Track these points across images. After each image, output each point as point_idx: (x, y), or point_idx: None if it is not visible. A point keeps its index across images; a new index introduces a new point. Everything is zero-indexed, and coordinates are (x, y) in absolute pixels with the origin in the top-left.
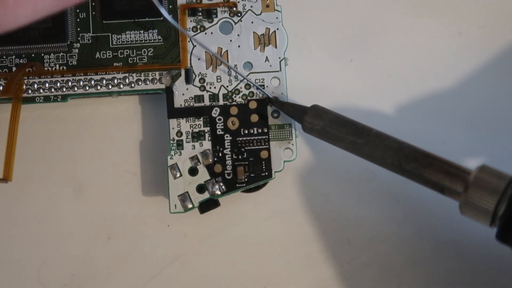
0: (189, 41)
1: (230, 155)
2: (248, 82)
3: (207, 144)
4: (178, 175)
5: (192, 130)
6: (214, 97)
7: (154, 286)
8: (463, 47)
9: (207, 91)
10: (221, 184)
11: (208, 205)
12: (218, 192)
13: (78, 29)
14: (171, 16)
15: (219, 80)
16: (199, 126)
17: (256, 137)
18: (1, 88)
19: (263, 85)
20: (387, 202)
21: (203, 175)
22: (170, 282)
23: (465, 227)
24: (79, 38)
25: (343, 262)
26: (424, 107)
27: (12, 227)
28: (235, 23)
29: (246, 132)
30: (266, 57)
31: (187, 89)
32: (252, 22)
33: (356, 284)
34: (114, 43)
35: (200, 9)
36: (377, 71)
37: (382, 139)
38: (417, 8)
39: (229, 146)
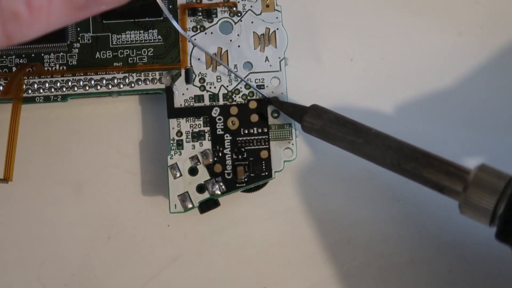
0: (189, 41)
1: (230, 155)
2: (247, 83)
3: (207, 144)
4: (178, 175)
5: (192, 130)
6: (214, 97)
7: (154, 286)
8: (463, 47)
9: (207, 91)
10: (221, 184)
11: (208, 205)
12: (218, 192)
13: (78, 29)
14: (171, 15)
15: (219, 80)
16: (199, 126)
17: (256, 137)
18: (1, 88)
19: (263, 85)
20: (387, 202)
21: (203, 175)
22: (170, 282)
23: (465, 227)
24: (79, 38)
25: (343, 262)
26: (424, 107)
27: (12, 227)
28: (235, 23)
29: (246, 132)
30: (266, 57)
31: (187, 89)
32: (252, 22)
33: (356, 284)
34: (114, 43)
35: (200, 9)
36: (377, 71)
37: (382, 139)
38: (417, 8)
39: (229, 146)
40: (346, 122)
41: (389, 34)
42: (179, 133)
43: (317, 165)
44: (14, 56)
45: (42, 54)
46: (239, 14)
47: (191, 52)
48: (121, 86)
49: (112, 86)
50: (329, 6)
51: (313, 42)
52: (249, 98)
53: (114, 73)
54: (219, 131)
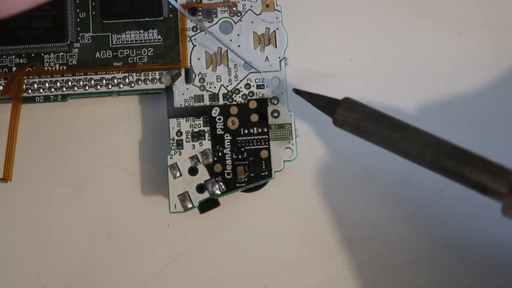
0: (191, 40)
1: (230, 155)
2: (252, 67)
3: (207, 144)
4: (178, 174)
5: (192, 130)
6: (214, 96)
7: (154, 286)
8: (463, 47)
9: (207, 90)
10: (221, 183)
11: (208, 205)
12: (218, 192)
13: (78, 29)
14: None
15: (219, 80)
16: (199, 125)
17: (256, 137)
18: (1, 88)
19: (263, 85)
20: (387, 202)
21: (203, 175)
22: (170, 282)
23: (465, 227)
24: (79, 38)
25: (343, 262)
26: (424, 107)
27: (12, 227)
28: (235, 23)
29: (246, 131)
30: (266, 57)
31: (187, 88)
32: (252, 22)
33: (356, 284)
34: (114, 43)
35: (200, 9)
36: (377, 71)
37: (420, 135)
38: (417, 8)
39: (229, 146)
40: (381, 116)
41: (389, 34)
42: (179, 133)
43: (317, 165)
44: (14, 56)
45: (42, 54)
46: (239, 14)
47: (191, 52)
48: (121, 86)
49: (112, 86)
50: (329, 6)
51: (313, 42)
52: (249, 98)
53: (114, 73)
54: (219, 131)
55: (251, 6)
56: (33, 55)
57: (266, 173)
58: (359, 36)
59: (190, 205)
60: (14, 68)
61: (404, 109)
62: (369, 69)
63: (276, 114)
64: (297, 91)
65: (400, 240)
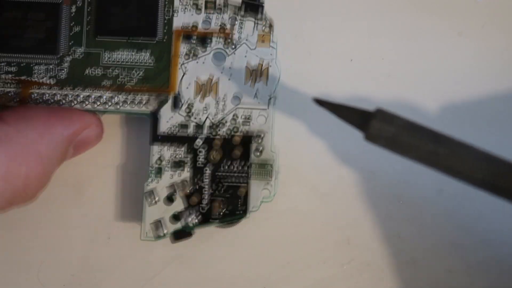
0: (181, 67)
1: (207, 188)
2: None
3: (186, 174)
4: (153, 202)
5: (173, 159)
6: (198, 127)
7: (154, 286)
8: (463, 47)
9: (192, 121)
10: (196, 216)
11: (180, 235)
12: (191, 224)
13: (71, 42)
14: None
15: (205, 112)
16: (180, 155)
17: (236, 174)
18: None
19: (249, 121)
20: (387, 202)
21: (178, 205)
22: (170, 282)
23: (465, 227)
24: (70, 52)
25: (343, 262)
26: (424, 108)
27: (12, 227)
28: (228, 55)
29: (227, 167)
30: (256, 93)
31: (172, 116)
32: (245, 56)
33: (356, 284)
34: (105, 60)
35: (195, 36)
36: (377, 71)
37: (468, 149)
38: (417, 8)
39: (208, 179)
40: (422, 128)
41: (389, 34)
42: (159, 160)
43: (317, 165)
44: (4, 64)
45: (32, 65)
46: (233, 46)
47: (181, 79)
48: (107, 106)
49: (98, 105)
50: (329, 6)
51: (313, 42)
52: (233, 133)
53: (102, 92)
54: (199, 163)
55: (246, 40)
56: (23, 64)
57: (241, 211)
58: (359, 36)
59: (162, 234)
60: (3, 76)
61: (403, 109)
62: (369, 69)
63: (258, 153)
64: (319, 102)
65: (400, 240)
